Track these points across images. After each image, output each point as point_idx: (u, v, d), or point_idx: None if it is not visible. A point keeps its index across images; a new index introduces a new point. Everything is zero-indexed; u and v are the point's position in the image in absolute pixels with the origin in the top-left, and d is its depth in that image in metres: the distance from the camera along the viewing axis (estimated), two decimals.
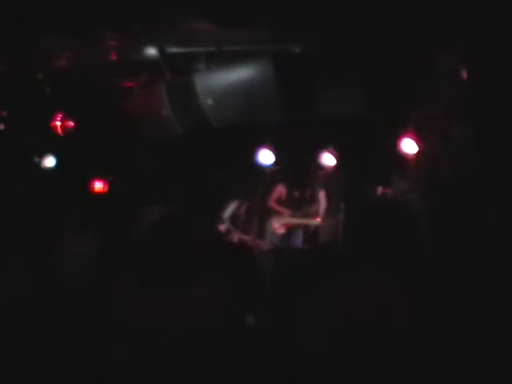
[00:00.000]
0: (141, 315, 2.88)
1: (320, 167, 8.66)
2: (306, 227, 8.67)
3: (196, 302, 2.87)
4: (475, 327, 2.65)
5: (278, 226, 8.65)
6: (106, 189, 8.95)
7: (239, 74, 6.78)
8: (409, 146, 7.13)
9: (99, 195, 8.86)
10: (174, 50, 6.90)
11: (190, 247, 3.01)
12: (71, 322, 3.50)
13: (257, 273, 3.84)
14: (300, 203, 8.77)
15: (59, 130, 8.22)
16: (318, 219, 8.58)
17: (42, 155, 8.66)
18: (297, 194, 8.79)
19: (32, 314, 3.35)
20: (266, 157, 8.70)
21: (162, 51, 6.89)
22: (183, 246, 2.99)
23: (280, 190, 8.82)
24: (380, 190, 8.24)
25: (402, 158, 7.28)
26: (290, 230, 8.68)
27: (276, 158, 8.65)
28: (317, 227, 8.59)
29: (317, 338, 2.59)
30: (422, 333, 2.49)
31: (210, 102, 6.92)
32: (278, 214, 8.77)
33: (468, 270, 5.04)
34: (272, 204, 8.81)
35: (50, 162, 8.66)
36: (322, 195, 8.65)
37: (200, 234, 3.12)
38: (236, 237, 8.29)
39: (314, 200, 8.73)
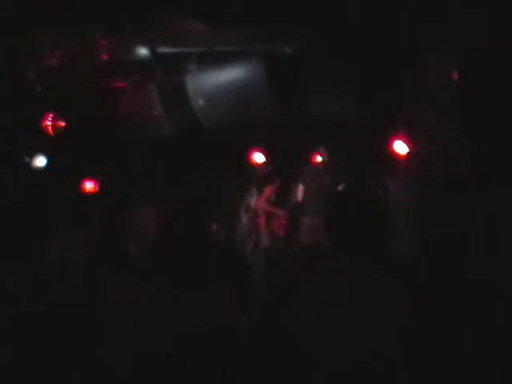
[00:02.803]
0: (139, 313, 2.89)
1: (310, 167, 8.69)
2: (292, 228, 8.69)
3: (198, 303, 2.88)
4: (460, 326, 2.68)
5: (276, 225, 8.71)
6: (96, 189, 8.92)
7: (230, 74, 6.78)
8: (399, 147, 7.14)
9: (90, 195, 8.84)
10: (165, 50, 6.90)
11: (199, 248, 3.03)
12: (65, 322, 3.51)
13: (251, 278, 3.87)
14: (287, 203, 8.81)
15: (50, 130, 8.19)
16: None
17: (32, 155, 8.63)
18: (285, 194, 8.82)
19: (24, 313, 3.35)
20: (256, 157, 8.71)
21: (153, 51, 6.89)
22: (194, 246, 3.02)
23: (269, 190, 8.84)
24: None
25: (393, 158, 7.29)
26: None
27: (267, 158, 8.67)
28: (302, 227, 8.61)
29: (307, 335, 2.61)
30: (404, 328, 2.52)
31: (201, 102, 6.92)
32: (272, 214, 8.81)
33: (458, 270, 5.06)
34: (264, 205, 8.82)
35: (40, 161, 8.63)
36: (299, 189, 8.69)
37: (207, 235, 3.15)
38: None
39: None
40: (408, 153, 7.07)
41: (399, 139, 7.10)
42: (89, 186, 8.91)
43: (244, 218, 8.98)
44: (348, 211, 2.76)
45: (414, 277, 2.74)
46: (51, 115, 8.17)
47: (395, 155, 7.20)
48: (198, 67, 7.03)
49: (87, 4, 5.50)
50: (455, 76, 5.99)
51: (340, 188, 8.30)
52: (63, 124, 8.21)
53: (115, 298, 2.99)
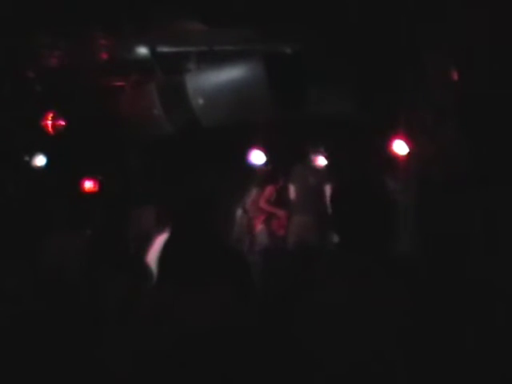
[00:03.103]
0: (139, 313, 2.89)
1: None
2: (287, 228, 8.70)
3: (198, 303, 2.89)
4: (458, 326, 2.69)
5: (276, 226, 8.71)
6: (96, 188, 8.92)
7: (230, 74, 6.78)
8: (399, 147, 7.14)
9: (90, 195, 8.84)
10: (164, 49, 6.90)
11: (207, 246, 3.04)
12: (65, 322, 3.50)
13: (251, 277, 3.87)
14: (288, 203, 8.80)
15: (50, 129, 8.20)
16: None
17: (32, 154, 8.63)
18: (285, 194, 8.82)
19: (24, 313, 3.35)
20: (256, 157, 8.70)
21: (152, 51, 6.89)
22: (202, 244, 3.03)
23: (270, 190, 8.84)
24: None
25: (393, 158, 7.29)
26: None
27: (267, 158, 8.66)
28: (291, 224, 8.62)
29: (306, 335, 2.61)
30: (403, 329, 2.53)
31: (200, 101, 6.92)
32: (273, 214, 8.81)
33: (457, 270, 5.06)
34: (264, 205, 8.82)
35: (40, 161, 8.63)
36: (290, 188, 8.70)
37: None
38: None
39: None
40: (408, 153, 7.07)
41: (399, 139, 7.10)
42: (88, 185, 8.91)
43: (241, 218, 8.98)
44: (347, 211, 2.76)
45: (413, 277, 2.74)
46: (51, 114, 8.17)
47: (395, 155, 7.20)
48: (197, 67, 7.03)
49: (87, 4, 5.50)
50: (455, 76, 5.99)
51: (328, 188, 8.32)
52: (63, 123, 8.21)
53: (115, 298, 2.99)
